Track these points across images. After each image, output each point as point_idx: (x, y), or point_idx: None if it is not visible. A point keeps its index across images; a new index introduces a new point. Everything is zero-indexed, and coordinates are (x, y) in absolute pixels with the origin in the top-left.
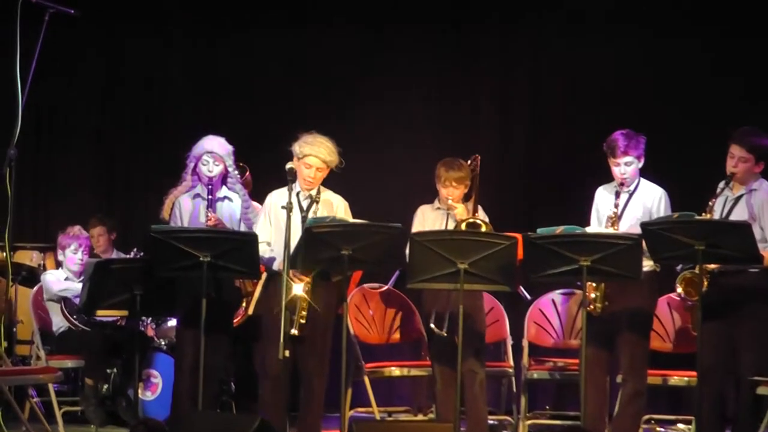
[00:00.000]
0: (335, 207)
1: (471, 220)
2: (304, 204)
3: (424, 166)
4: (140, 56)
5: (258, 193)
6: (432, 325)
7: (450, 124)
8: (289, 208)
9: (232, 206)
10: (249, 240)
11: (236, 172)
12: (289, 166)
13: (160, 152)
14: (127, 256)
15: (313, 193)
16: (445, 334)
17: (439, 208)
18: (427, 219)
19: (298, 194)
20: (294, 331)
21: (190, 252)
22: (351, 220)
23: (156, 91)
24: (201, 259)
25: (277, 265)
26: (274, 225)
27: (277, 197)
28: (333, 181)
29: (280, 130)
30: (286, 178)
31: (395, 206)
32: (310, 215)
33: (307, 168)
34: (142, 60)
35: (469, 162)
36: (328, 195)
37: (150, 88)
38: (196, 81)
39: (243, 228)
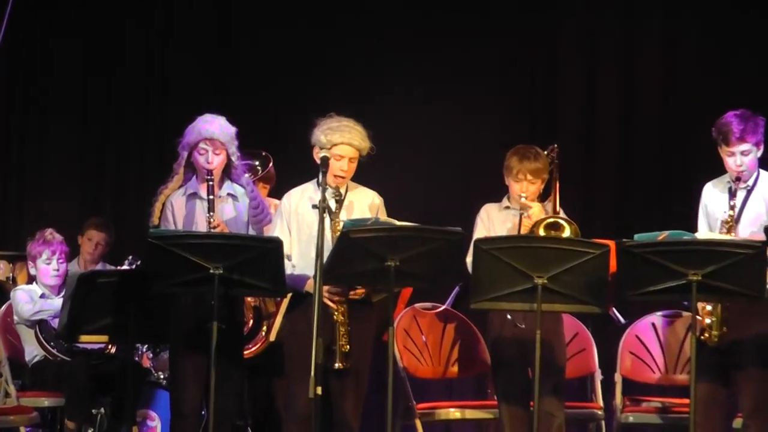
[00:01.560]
0: (369, 205)
1: (551, 220)
2: (333, 203)
3: (483, 159)
4: (136, 26)
5: (279, 190)
6: (509, 316)
7: (518, 106)
8: (323, 208)
9: (237, 206)
10: (272, 247)
11: (239, 162)
12: (322, 154)
13: (161, 141)
14: (119, 267)
15: (343, 189)
16: (523, 326)
17: (508, 208)
18: (494, 221)
19: (324, 192)
20: (338, 364)
21: (197, 263)
22: (397, 222)
23: (155, 67)
24: (211, 271)
25: (308, 286)
26: (296, 233)
27: (299, 198)
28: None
29: (304, 115)
30: (320, 170)
31: (447, 206)
32: (343, 216)
33: (337, 160)
34: (139, 30)
35: (546, 152)
36: (361, 191)
37: (149, 62)
38: (204, 56)
39: (252, 234)
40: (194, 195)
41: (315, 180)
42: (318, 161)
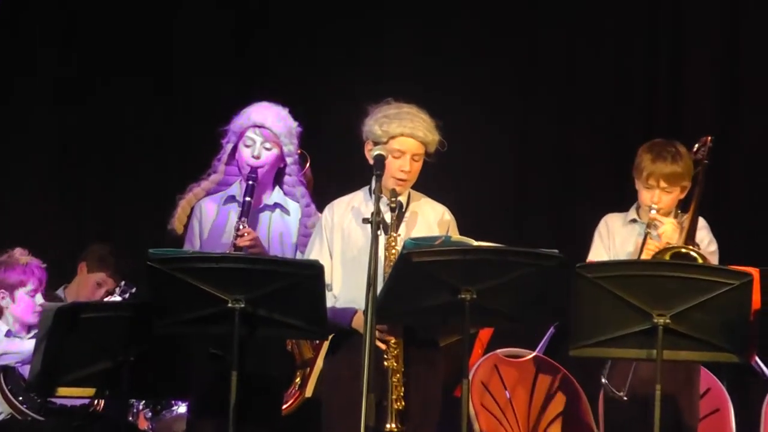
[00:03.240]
0: (438, 222)
1: (683, 250)
2: (389, 217)
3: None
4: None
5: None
6: (604, 380)
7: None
8: (377, 222)
9: (286, 221)
10: (310, 274)
11: (297, 169)
12: (376, 152)
13: (170, 138)
14: (109, 298)
15: (404, 198)
16: (625, 398)
17: (635, 221)
18: (614, 238)
19: (378, 201)
20: (392, 426)
21: (212, 294)
22: (474, 242)
23: (161, 41)
24: (230, 305)
25: (355, 322)
26: (339, 255)
27: (344, 210)
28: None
29: (344, 101)
30: (373, 174)
31: (538, 224)
32: (403, 233)
33: (396, 157)
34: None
35: (694, 148)
36: (426, 203)
37: (151, 36)
38: (224, 29)
39: (300, 256)
40: (232, 200)
41: (366, 188)
42: (370, 161)
